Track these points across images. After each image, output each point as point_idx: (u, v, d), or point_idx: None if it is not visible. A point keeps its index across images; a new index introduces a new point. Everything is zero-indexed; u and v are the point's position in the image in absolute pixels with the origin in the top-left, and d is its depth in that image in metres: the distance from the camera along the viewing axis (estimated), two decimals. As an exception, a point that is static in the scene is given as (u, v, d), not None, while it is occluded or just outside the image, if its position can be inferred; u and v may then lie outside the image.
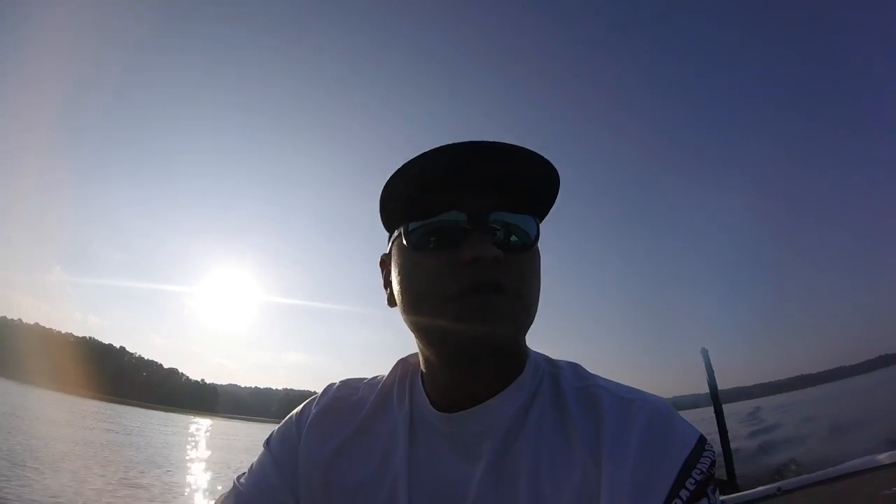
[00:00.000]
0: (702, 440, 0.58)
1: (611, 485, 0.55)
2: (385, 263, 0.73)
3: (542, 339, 0.72)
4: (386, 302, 0.72)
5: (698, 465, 0.56)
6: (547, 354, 0.74)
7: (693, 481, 0.54)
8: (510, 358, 0.67)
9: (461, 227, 0.61)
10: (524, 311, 0.62)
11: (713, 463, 0.58)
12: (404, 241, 0.64)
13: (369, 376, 0.82)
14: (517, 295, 0.61)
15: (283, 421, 0.79)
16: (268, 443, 0.78)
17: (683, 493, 0.54)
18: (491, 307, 0.59)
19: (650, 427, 0.59)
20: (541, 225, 0.68)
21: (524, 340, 0.69)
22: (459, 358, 0.62)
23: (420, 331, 0.65)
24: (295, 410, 0.80)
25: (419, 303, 0.63)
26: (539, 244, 0.68)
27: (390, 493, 0.66)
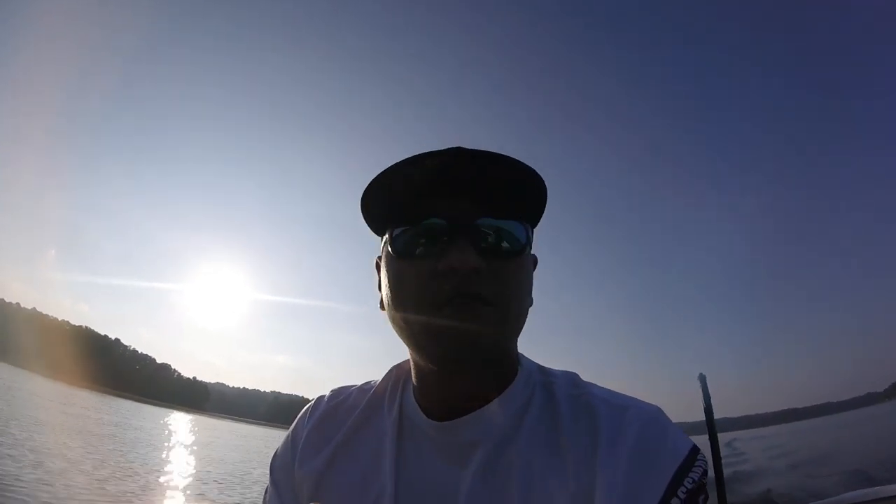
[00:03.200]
0: (694, 449, 0.58)
1: (603, 491, 0.56)
2: (378, 266, 0.72)
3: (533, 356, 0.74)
4: (378, 305, 0.71)
5: (690, 474, 0.56)
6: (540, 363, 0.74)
7: (685, 489, 0.55)
8: (499, 366, 0.67)
9: (444, 235, 0.61)
10: (507, 319, 0.62)
11: (705, 472, 0.58)
12: (389, 248, 0.64)
13: (360, 382, 0.82)
14: (499, 303, 0.60)
15: (280, 443, 0.80)
16: (271, 472, 0.78)
17: (675, 502, 0.54)
18: (470, 316, 0.58)
19: (644, 434, 0.59)
20: (534, 233, 0.68)
21: (515, 349, 0.70)
22: (445, 365, 0.62)
23: (406, 338, 0.65)
24: (290, 429, 0.80)
25: (404, 311, 0.62)
26: (535, 253, 0.69)
27: (376, 499, 0.65)
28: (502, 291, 0.60)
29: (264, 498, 0.78)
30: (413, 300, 0.61)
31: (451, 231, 0.60)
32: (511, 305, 0.62)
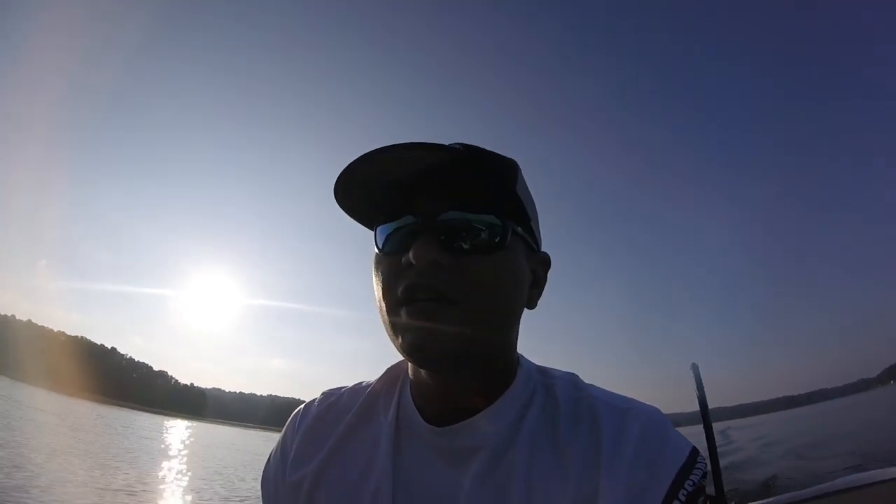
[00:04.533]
0: (694, 452, 0.58)
1: (606, 494, 0.55)
2: None
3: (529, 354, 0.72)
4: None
5: (690, 477, 0.56)
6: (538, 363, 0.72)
7: (685, 492, 0.55)
8: (489, 366, 0.64)
9: (412, 231, 0.60)
10: (477, 320, 0.58)
11: (704, 475, 0.58)
12: (374, 244, 0.64)
13: (351, 384, 0.80)
14: (467, 302, 0.57)
15: (271, 452, 0.77)
16: (263, 485, 0.76)
17: None
18: (426, 315, 0.56)
19: (645, 436, 0.59)
20: (539, 228, 0.66)
21: (511, 349, 0.67)
22: (415, 363, 0.62)
23: (386, 333, 0.63)
24: (280, 436, 0.77)
25: (379, 308, 0.62)
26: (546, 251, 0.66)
27: (373, 501, 0.64)
28: (470, 289, 0.57)
29: None
30: (383, 296, 0.61)
31: (418, 226, 0.59)
32: (481, 304, 0.58)
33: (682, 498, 0.54)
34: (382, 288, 0.61)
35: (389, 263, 0.61)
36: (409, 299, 0.58)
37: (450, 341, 0.57)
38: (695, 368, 2.70)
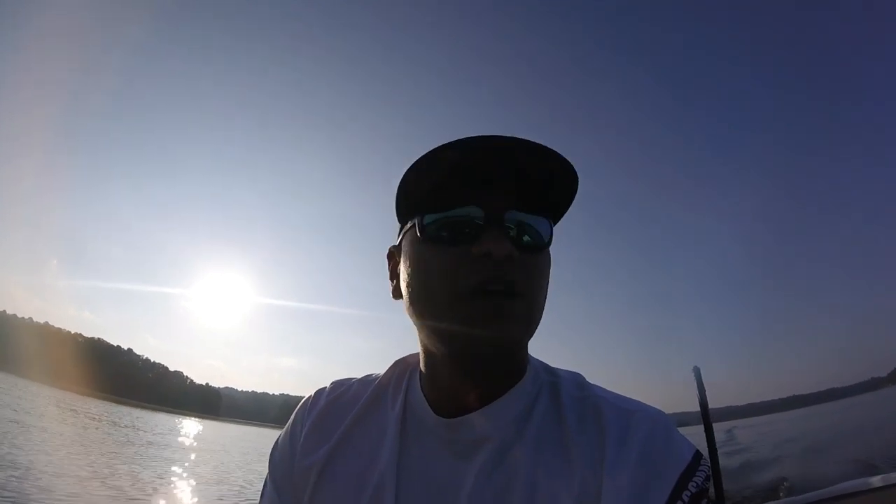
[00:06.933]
0: (698, 454, 0.59)
1: (610, 494, 0.56)
2: (393, 255, 0.72)
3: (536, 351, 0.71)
4: (391, 294, 0.70)
5: (694, 479, 0.57)
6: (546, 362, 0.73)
7: (689, 494, 0.55)
8: (513, 363, 0.66)
9: (477, 223, 0.60)
10: (533, 314, 0.61)
11: (708, 478, 0.58)
12: (418, 233, 0.63)
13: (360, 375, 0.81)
14: (528, 296, 0.60)
15: (280, 436, 0.78)
16: (270, 466, 0.77)
17: None
18: (504, 309, 0.58)
19: (650, 438, 0.59)
20: (554, 229, 0.67)
21: (526, 346, 0.68)
22: (465, 357, 0.61)
23: (426, 326, 0.63)
24: (289, 422, 0.78)
25: (428, 297, 0.61)
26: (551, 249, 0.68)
27: (376, 492, 0.65)
28: (531, 284, 0.61)
29: (263, 491, 0.77)
30: (442, 286, 0.60)
31: (485, 220, 0.60)
32: (536, 299, 0.62)
33: (686, 499, 0.55)
34: (439, 277, 0.60)
35: (450, 254, 0.60)
36: (481, 292, 0.58)
37: (516, 334, 0.60)
38: (696, 371, 2.77)
